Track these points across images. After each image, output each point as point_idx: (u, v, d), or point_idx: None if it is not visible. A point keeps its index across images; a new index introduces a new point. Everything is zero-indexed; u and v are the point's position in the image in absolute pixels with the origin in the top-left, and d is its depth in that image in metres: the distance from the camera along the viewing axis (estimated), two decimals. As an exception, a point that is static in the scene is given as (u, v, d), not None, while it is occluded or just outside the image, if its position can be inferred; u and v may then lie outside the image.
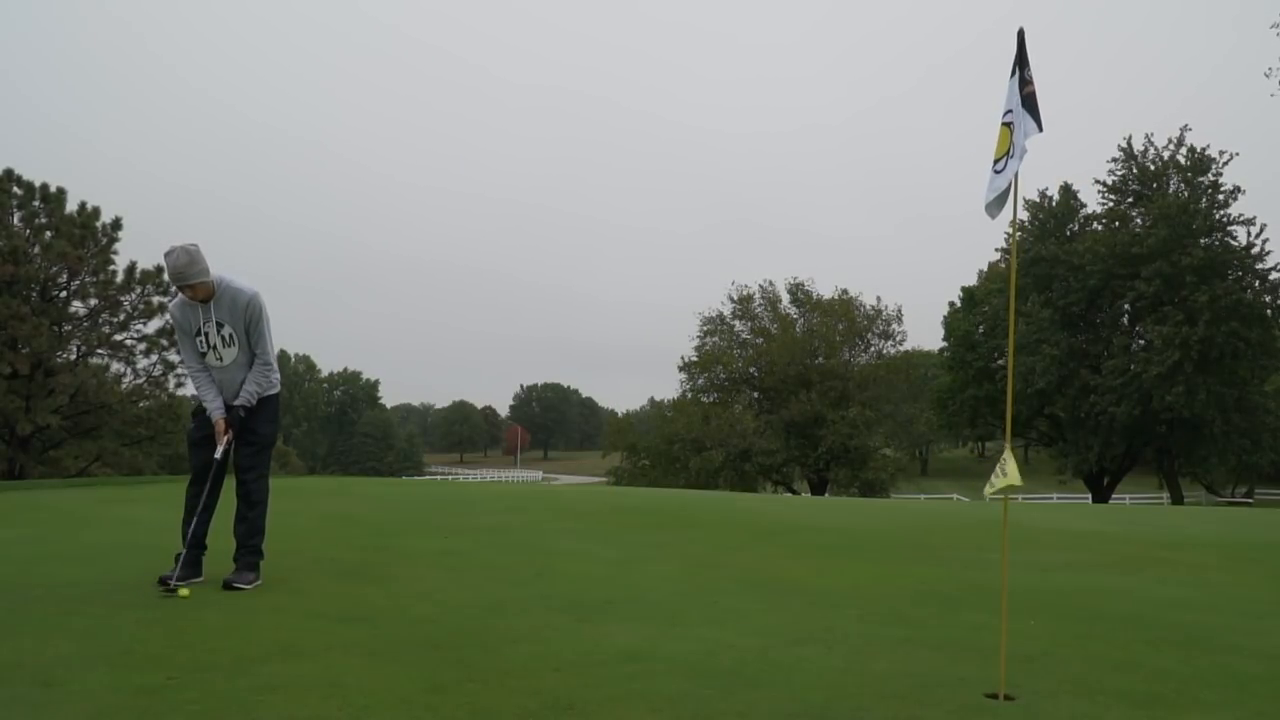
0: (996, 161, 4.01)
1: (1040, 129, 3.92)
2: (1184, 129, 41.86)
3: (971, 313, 48.08)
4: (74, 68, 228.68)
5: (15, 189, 27.85)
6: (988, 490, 3.81)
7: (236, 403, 5.52)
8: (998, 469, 3.76)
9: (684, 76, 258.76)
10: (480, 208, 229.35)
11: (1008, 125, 3.98)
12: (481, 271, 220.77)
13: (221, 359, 5.49)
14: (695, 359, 49.17)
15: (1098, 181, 43.77)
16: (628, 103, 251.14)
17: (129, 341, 29.60)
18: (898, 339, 49.86)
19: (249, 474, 5.66)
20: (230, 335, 5.47)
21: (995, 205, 4.05)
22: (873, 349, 49.67)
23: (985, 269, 49.94)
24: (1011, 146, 3.94)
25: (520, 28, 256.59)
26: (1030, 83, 3.95)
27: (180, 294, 5.51)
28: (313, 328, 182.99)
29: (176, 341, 5.76)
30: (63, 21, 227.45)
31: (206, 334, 5.46)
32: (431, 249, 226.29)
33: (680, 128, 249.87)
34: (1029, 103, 3.93)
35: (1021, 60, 3.98)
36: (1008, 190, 3.98)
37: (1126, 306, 43.95)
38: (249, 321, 5.50)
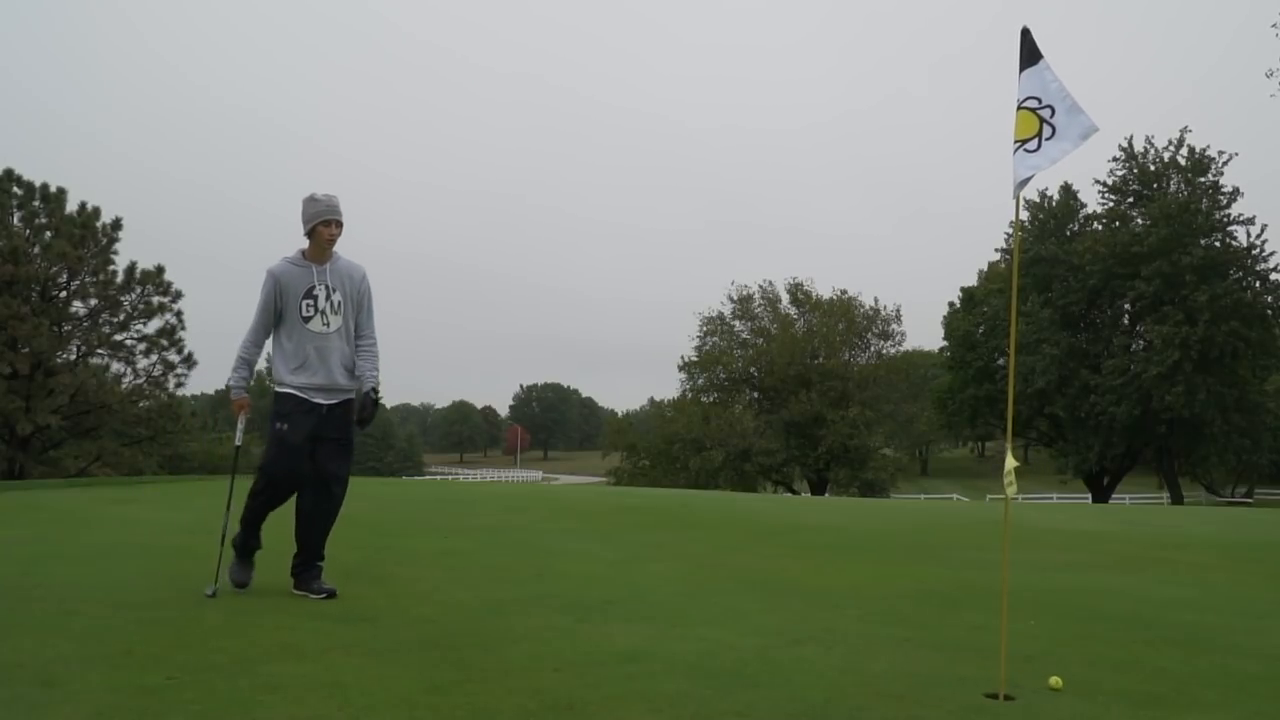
0: (1025, 141, 3.99)
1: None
2: (1184, 130, 42.00)
3: (971, 313, 48.10)
4: (76, 64, 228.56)
5: (15, 189, 27.87)
6: (1009, 469, 3.81)
7: (367, 386, 5.26)
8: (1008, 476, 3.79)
9: (684, 78, 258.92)
10: (480, 205, 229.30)
11: (1031, 110, 3.98)
12: (481, 271, 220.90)
13: (328, 325, 5.18)
14: (695, 359, 49.18)
15: (1098, 181, 43.87)
16: (627, 103, 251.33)
17: (129, 341, 29.60)
18: (897, 339, 49.91)
19: (339, 482, 5.39)
20: (339, 303, 5.21)
21: (1025, 183, 4.05)
22: (872, 349, 49.70)
23: (985, 269, 49.99)
24: (1049, 129, 3.94)
25: (520, 27, 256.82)
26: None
27: (286, 260, 5.22)
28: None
29: (258, 305, 5.22)
30: (59, 18, 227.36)
31: (317, 296, 5.15)
32: (432, 248, 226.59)
33: (680, 127, 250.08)
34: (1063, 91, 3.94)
35: (1037, 54, 4.00)
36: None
37: (1126, 306, 43.99)
38: (362, 295, 5.31)
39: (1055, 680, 3.69)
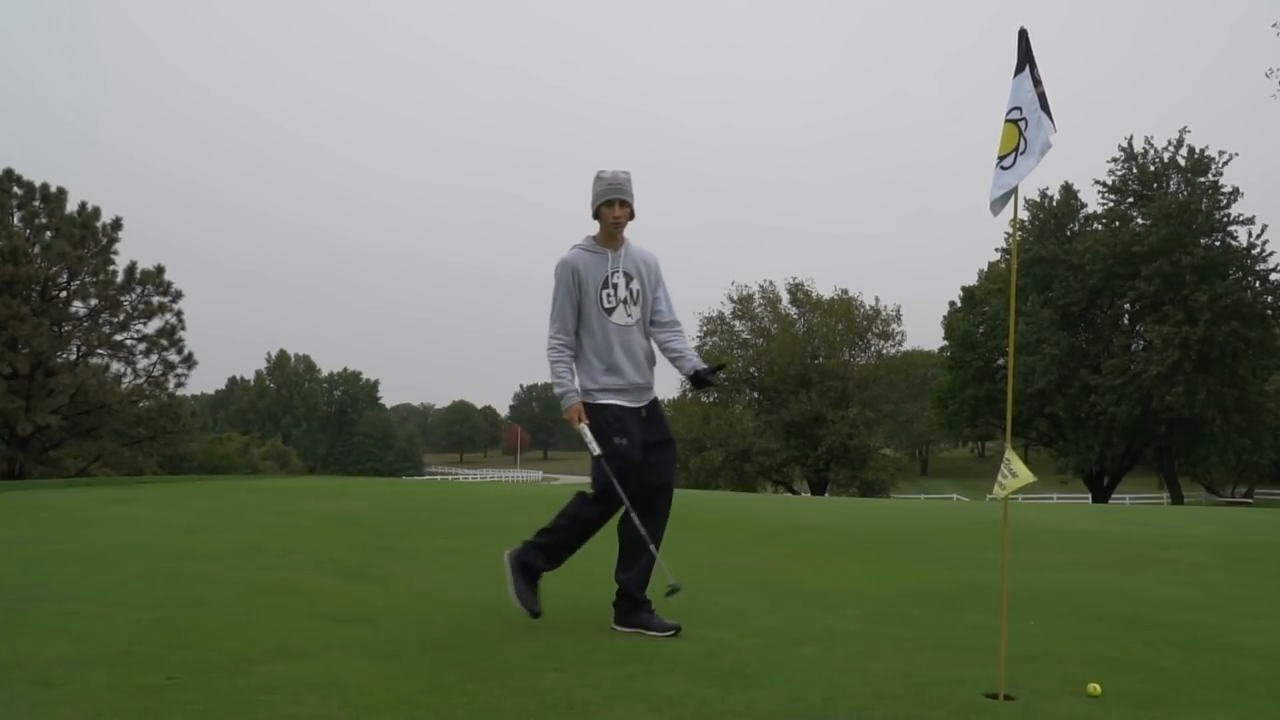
0: (1003, 157, 3.98)
1: (1054, 129, 3.92)
2: (1183, 131, 42.08)
3: (971, 313, 48.12)
4: (77, 64, 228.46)
5: (15, 189, 27.90)
6: (999, 492, 3.79)
7: (701, 365, 4.72)
8: (1004, 469, 3.75)
9: (682, 77, 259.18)
10: (479, 204, 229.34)
11: (1013, 122, 3.96)
12: (481, 270, 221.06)
13: (631, 316, 4.63)
14: (695, 359, 49.12)
15: (1098, 182, 43.96)
16: (624, 103, 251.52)
17: (129, 341, 29.67)
18: (897, 339, 49.92)
19: (669, 490, 4.77)
20: (637, 291, 4.65)
21: (1000, 202, 4.04)
22: (872, 349, 49.72)
23: (985, 269, 50.01)
24: (1023, 143, 3.92)
25: (526, 30, 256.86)
26: (1040, 82, 3.94)
27: (578, 247, 4.65)
28: (312, 328, 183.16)
29: (556, 299, 4.64)
30: (60, 17, 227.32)
31: (616, 285, 4.60)
32: (431, 247, 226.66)
33: (679, 127, 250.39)
34: (1044, 102, 3.92)
35: (1028, 59, 3.97)
36: (1015, 189, 3.97)
37: (1126, 306, 44.05)
38: (658, 283, 4.77)
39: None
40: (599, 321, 4.59)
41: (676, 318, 4.85)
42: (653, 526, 4.68)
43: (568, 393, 4.61)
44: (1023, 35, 3.98)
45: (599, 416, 4.55)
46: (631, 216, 4.61)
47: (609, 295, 4.59)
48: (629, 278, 4.63)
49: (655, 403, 4.77)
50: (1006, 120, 3.97)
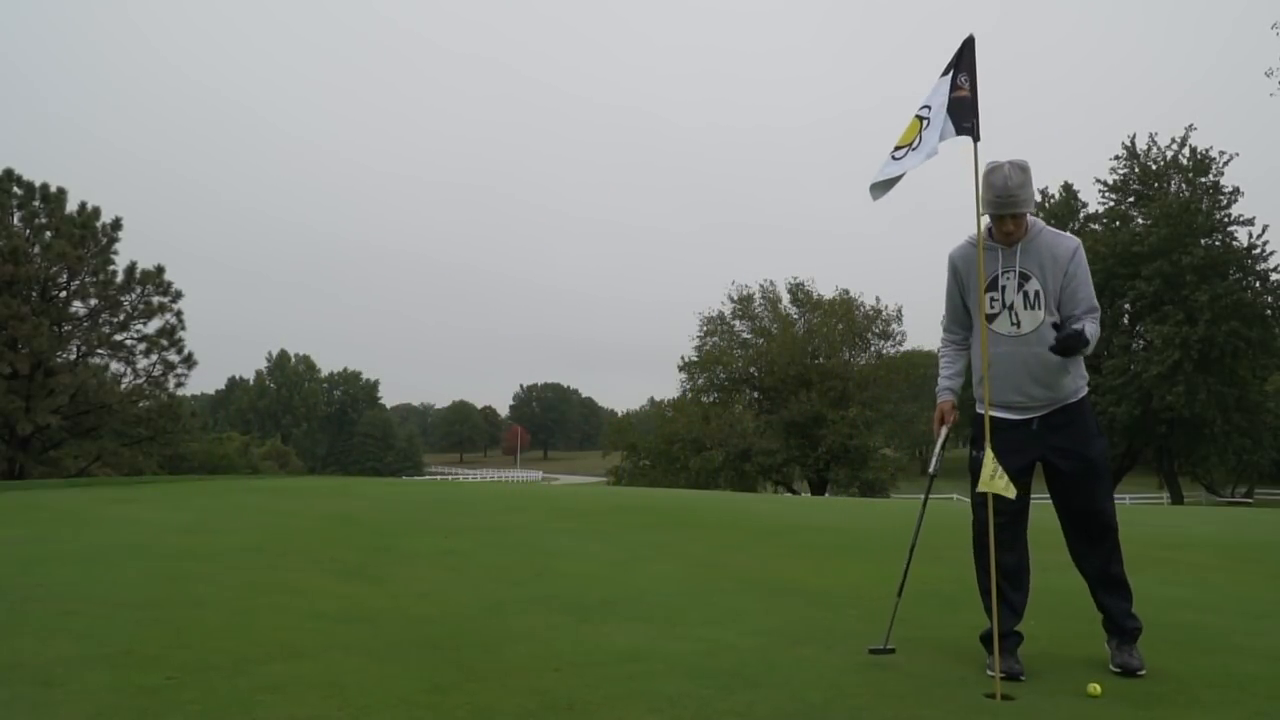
0: (897, 149, 4.03)
1: (977, 137, 3.92)
2: (1189, 129, 41.95)
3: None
4: (77, 64, 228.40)
5: (15, 189, 27.89)
6: (983, 486, 3.87)
7: (1077, 326, 3.94)
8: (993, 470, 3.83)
9: (682, 78, 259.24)
10: (480, 203, 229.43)
11: (920, 118, 4.01)
12: (481, 271, 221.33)
13: (1018, 324, 3.99)
14: (695, 359, 49.19)
15: (1098, 180, 43.90)
16: (625, 103, 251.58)
17: (129, 341, 29.64)
18: (897, 339, 49.91)
19: (1093, 517, 4.19)
20: (1038, 295, 3.96)
21: (880, 188, 4.06)
22: (872, 349, 49.70)
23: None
24: (918, 140, 3.97)
25: (528, 30, 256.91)
26: (962, 87, 3.97)
27: (969, 239, 4.13)
28: (312, 327, 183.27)
29: (946, 295, 4.23)
30: (60, 17, 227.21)
31: (1004, 288, 3.99)
32: (432, 248, 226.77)
33: (677, 128, 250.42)
34: (955, 106, 3.94)
35: (960, 63, 4.01)
36: (897, 179, 4.01)
37: (1127, 306, 43.99)
38: (1070, 279, 3.99)
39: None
40: (983, 328, 4.05)
41: (1093, 304, 4.06)
42: (1094, 555, 4.20)
43: (939, 390, 4.28)
44: (968, 42, 4.04)
45: (974, 424, 4.16)
46: (1022, 220, 3.99)
47: (993, 300, 4.02)
48: (1025, 278, 3.98)
49: (1064, 411, 4.05)
50: (915, 115, 4.04)
